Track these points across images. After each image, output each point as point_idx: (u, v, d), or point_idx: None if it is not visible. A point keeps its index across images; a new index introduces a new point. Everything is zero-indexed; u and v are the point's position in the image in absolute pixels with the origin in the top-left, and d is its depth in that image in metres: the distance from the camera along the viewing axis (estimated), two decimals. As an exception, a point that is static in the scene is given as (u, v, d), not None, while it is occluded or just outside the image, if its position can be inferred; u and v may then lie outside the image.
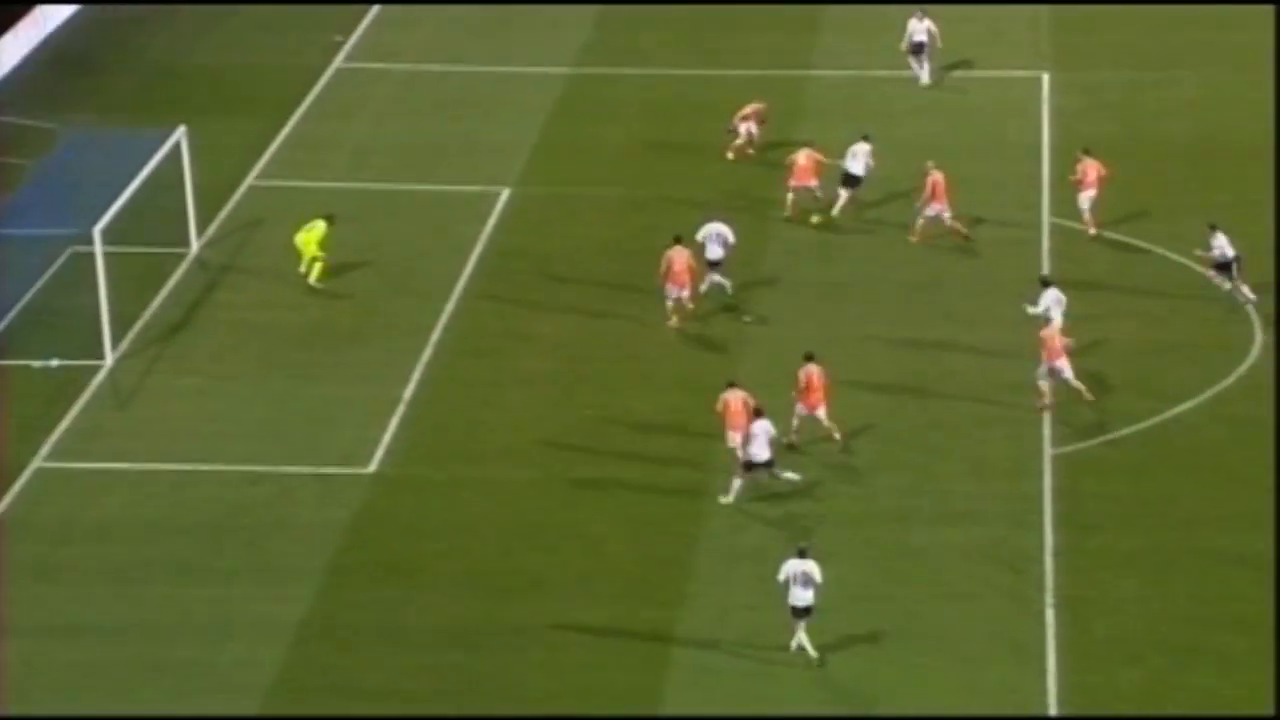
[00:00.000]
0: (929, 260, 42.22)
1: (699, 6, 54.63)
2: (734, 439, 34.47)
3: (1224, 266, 39.59)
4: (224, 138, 46.68)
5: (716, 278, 39.99)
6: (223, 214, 44.42)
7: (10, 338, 39.62)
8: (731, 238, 40.02)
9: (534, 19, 54.17)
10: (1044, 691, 30.32)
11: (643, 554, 33.37)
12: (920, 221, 42.21)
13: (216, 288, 41.80)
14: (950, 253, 42.33)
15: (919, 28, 49.07)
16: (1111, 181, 43.34)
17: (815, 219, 41.88)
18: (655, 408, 37.07)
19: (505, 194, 45.30)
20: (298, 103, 49.61)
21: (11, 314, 40.32)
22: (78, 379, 38.29)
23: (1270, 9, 52.19)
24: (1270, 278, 40.35)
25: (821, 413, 35.39)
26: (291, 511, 34.65)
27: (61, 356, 38.84)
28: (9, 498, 35.01)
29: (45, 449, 36.35)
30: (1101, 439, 36.18)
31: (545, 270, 42.02)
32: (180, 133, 42.56)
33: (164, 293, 41.37)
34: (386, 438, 36.53)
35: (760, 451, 33.93)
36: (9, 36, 51.87)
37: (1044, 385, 36.65)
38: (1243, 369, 38.10)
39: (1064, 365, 36.42)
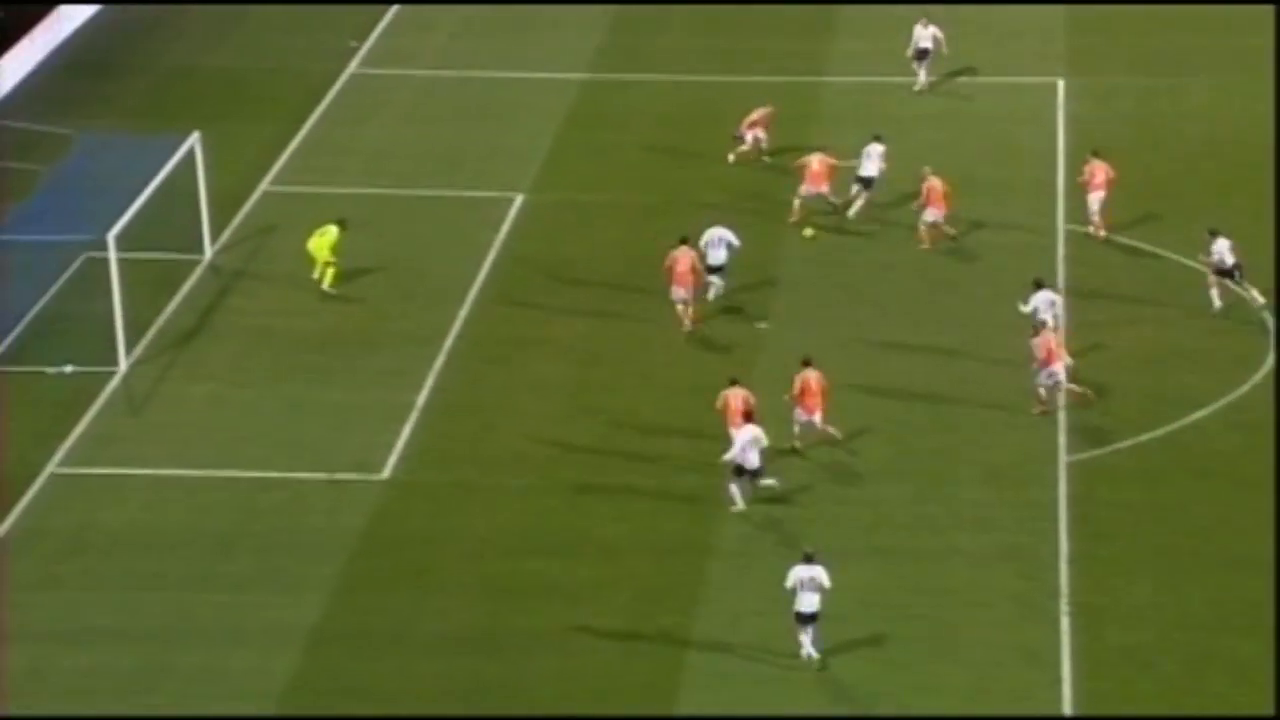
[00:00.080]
0: (941, 265, 42.16)
1: (713, 11, 54.64)
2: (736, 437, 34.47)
3: (1225, 273, 39.48)
4: (238, 143, 46.73)
5: (716, 281, 39.93)
6: (237, 220, 44.46)
7: (25, 344, 39.66)
8: (736, 241, 40.00)
9: (548, 24, 54.20)
10: (1058, 698, 30.24)
11: (655, 560, 33.33)
12: (923, 228, 42.19)
13: (230, 293, 41.83)
14: (963, 258, 42.26)
15: (924, 34, 49.10)
16: (1127, 187, 43.36)
17: (809, 232, 41.83)
18: (668, 412, 37.03)
19: (519, 200, 45.30)
20: (312, 108, 49.66)
21: (26, 320, 40.36)
22: (91, 385, 38.33)
23: (1270, 9, 52.05)
24: (1281, 283, 40.35)
25: (818, 418, 35.34)
26: (304, 518, 34.65)
27: (75, 362, 38.89)
28: (23, 504, 35.03)
29: (59, 455, 36.38)
30: (1115, 446, 36.09)
31: (559, 276, 42.01)
32: (195, 138, 42.60)
33: (178, 299, 41.41)
34: (400, 443, 36.52)
35: (750, 458, 33.86)
36: (25, 41, 52.00)
37: (1042, 391, 36.55)
38: (1258, 377, 37.98)
39: (1059, 369, 36.31)
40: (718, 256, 39.89)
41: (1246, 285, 39.58)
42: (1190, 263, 41.22)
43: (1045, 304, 37.91)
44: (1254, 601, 32.00)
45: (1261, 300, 39.56)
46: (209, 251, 42.99)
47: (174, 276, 41.95)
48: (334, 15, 54.79)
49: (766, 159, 45.93)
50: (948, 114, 49.03)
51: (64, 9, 53.75)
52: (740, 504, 34.24)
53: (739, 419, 34.50)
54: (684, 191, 44.93)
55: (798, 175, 43.70)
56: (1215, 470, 35.41)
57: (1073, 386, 36.56)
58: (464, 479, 35.62)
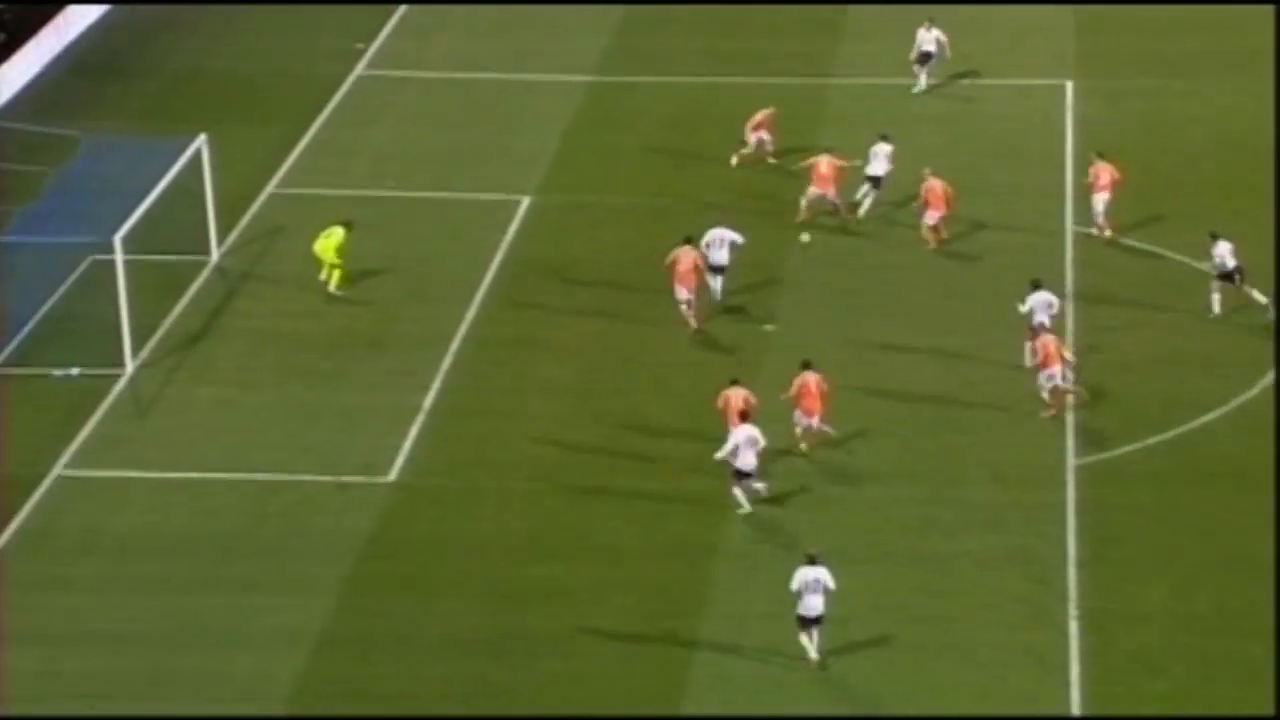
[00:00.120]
0: (949, 267, 42.08)
1: (720, 13, 54.57)
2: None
3: (1226, 276, 39.38)
4: (245, 145, 46.70)
5: (718, 281, 39.94)
6: (243, 222, 44.42)
7: (31, 346, 39.62)
8: (740, 239, 40.00)
9: (555, 26, 54.15)
10: (1066, 702, 30.16)
11: (661, 562, 33.27)
12: (925, 230, 42.15)
13: (236, 296, 41.79)
14: (970, 260, 42.17)
15: (927, 38, 49.09)
16: (1135, 189, 43.29)
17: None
18: (674, 415, 36.95)
19: (525, 202, 45.24)
20: (319, 110, 49.62)
21: (32, 322, 40.32)
22: (98, 388, 38.28)
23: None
24: (1294, 286, 40.25)
25: (815, 420, 35.28)
26: (311, 520, 34.60)
27: (82, 365, 38.84)
28: (29, 506, 34.99)
29: (65, 457, 36.34)
30: (1124, 449, 35.99)
31: (565, 278, 41.94)
32: (201, 140, 42.56)
33: (184, 301, 41.36)
34: (406, 446, 36.47)
35: (745, 459, 33.80)
36: (31, 44, 52.00)
37: (1045, 395, 36.47)
38: (1266, 380, 37.85)
39: (1056, 371, 36.22)
40: (719, 257, 39.90)
41: (1247, 288, 39.44)
42: (1199, 265, 41.10)
43: (1042, 305, 37.87)
44: (1264, 605, 31.88)
45: (1264, 300, 39.43)
46: (215, 254, 42.94)
47: (180, 279, 41.91)
48: (340, 18, 54.75)
49: (772, 160, 45.82)
50: (955, 116, 48.96)
51: (70, 11, 53.73)
52: (746, 506, 34.18)
53: (737, 419, 34.43)
54: (691, 193, 44.85)
55: (805, 176, 43.62)
56: (1224, 473, 35.30)
57: (1067, 386, 36.42)
58: (471, 481, 35.56)
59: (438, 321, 40.50)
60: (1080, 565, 32.99)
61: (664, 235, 41.17)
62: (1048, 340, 36.68)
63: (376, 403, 37.84)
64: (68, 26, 53.64)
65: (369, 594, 32.68)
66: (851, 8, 54.44)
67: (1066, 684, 30.43)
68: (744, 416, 34.30)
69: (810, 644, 30.61)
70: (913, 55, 49.30)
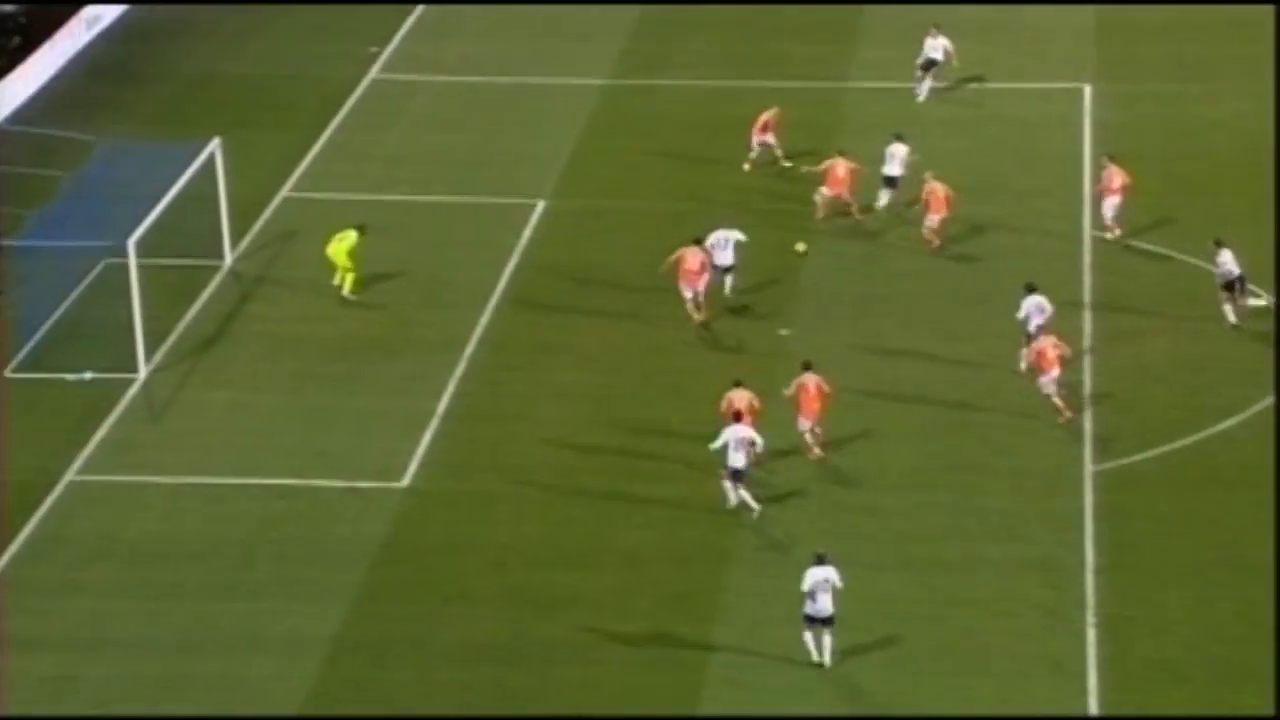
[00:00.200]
0: (965, 273, 41.91)
1: (736, 16, 54.44)
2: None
3: (1229, 286, 39.16)
4: (258, 149, 46.62)
5: (726, 282, 39.98)
6: (257, 226, 44.33)
7: (45, 350, 39.54)
8: (743, 237, 40.06)
9: (570, 29, 54.05)
10: (1085, 710, 29.98)
11: (676, 568, 33.14)
12: (927, 232, 42.19)
13: (250, 300, 41.70)
14: (988, 266, 41.98)
15: (934, 45, 49.04)
16: (1154, 194, 43.22)
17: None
18: (689, 420, 36.76)
19: (541, 205, 45.13)
20: (333, 114, 49.54)
21: (46, 326, 40.24)
22: (111, 392, 38.19)
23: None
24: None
25: (813, 422, 35.23)
26: (325, 526, 34.48)
27: (95, 369, 38.75)
28: (42, 511, 34.89)
29: (78, 462, 36.25)
30: (1143, 455, 35.79)
31: (580, 282, 41.82)
32: (215, 145, 42.48)
33: (198, 305, 41.28)
34: (420, 451, 36.34)
35: (735, 459, 33.67)
36: (46, 47, 51.99)
37: (1058, 402, 36.37)
38: (1285, 384, 37.70)
39: (1054, 375, 36.13)
40: (725, 257, 39.93)
41: (1244, 298, 39.16)
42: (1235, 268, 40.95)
43: (1035, 309, 37.71)
44: (1284, 612, 31.73)
45: (1263, 302, 39.16)
46: (229, 258, 42.85)
47: (194, 283, 41.83)
48: (355, 22, 54.67)
49: (787, 164, 45.66)
50: (973, 119, 48.82)
51: (85, 15, 53.71)
52: (756, 506, 34.00)
53: (747, 419, 34.44)
54: (707, 197, 44.71)
55: (820, 178, 43.49)
56: (1244, 480, 35.07)
57: (1055, 400, 36.25)
58: (485, 487, 35.44)
59: (452, 326, 40.38)
60: (1099, 572, 32.82)
61: (680, 239, 40.99)
62: (1044, 345, 36.45)
63: (390, 407, 37.72)
64: (82, 30, 53.62)
65: (383, 599, 32.56)
66: (867, 10, 54.26)
67: (1085, 691, 30.29)
68: (737, 416, 34.25)
69: (815, 645, 30.52)
70: (919, 61, 49.19)
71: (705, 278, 39.48)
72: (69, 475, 35.90)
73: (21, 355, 39.40)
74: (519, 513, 34.71)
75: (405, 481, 35.61)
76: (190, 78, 51.91)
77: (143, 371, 38.79)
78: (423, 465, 36.00)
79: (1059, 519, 34.17)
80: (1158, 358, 38.78)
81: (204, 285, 41.90)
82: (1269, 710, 29.71)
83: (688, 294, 39.36)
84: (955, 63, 49.20)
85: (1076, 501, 34.58)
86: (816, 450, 35.47)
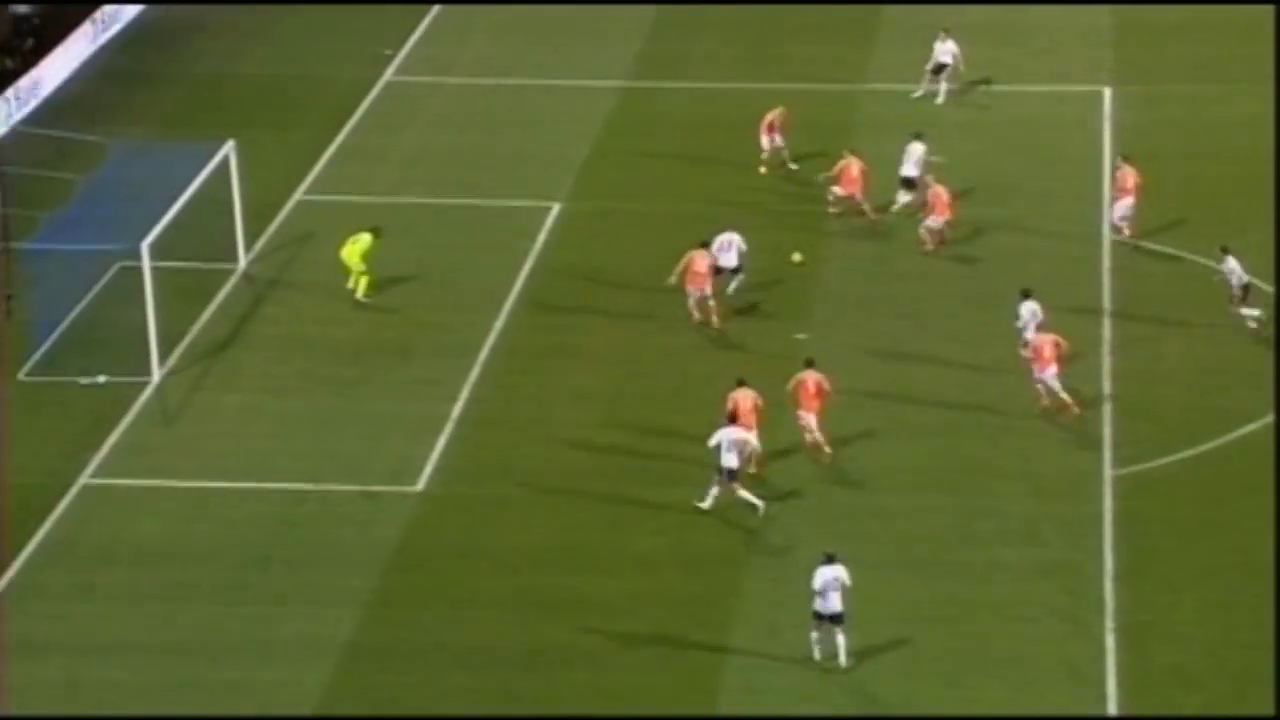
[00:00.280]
0: (983, 276, 41.72)
1: (752, 18, 54.30)
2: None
3: (1244, 290, 38.95)
4: (273, 151, 46.54)
5: (730, 284, 40.01)
6: (271, 229, 44.24)
7: (58, 353, 39.47)
8: (744, 245, 40.06)
9: (585, 31, 53.94)
10: (1103, 717, 29.76)
11: (690, 572, 33.00)
12: (925, 232, 42.15)
13: (264, 303, 41.59)
14: (1005, 269, 41.74)
15: (943, 49, 48.97)
16: (1175, 196, 43.17)
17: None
18: (703, 424, 36.45)
19: (556, 208, 44.99)
20: (347, 116, 49.46)
21: (59, 329, 40.17)
22: (124, 395, 38.10)
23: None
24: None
25: (813, 420, 35.15)
26: (338, 530, 34.36)
27: (108, 373, 38.66)
28: (55, 514, 34.80)
29: (91, 466, 36.15)
30: (1162, 460, 35.58)
31: (595, 286, 41.69)
32: (229, 147, 42.38)
33: (211, 308, 41.18)
34: (434, 455, 36.21)
35: (728, 459, 33.59)
36: (60, 49, 51.95)
37: (1065, 396, 36.27)
38: (1306, 389, 37.45)
39: (1049, 375, 36.01)
40: (729, 259, 39.99)
41: (1243, 308, 38.91)
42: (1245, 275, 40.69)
43: (1030, 314, 37.60)
44: (1304, 619, 31.50)
45: (1256, 314, 38.91)
46: (243, 260, 42.75)
47: (208, 286, 41.73)
48: (370, 23, 54.59)
49: (793, 166, 45.49)
50: (991, 122, 48.67)
51: (99, 16, 53.66)
52: (759, 504, 33.87)
53: (749, 419, 34.44)
54: (723, 200, 44.55)
55: (834, 178, 43.43)
56: (1264, 486, 34.81)
57: (1047, 399, 36.26)
58: (499, 491, 35.29)
59: (466, 329, 40.25)
60: (1117, 577, 32.62)
61: (694, 242, 40.80)
62: (1042, 342, 36.32)
63: (404, 411, 37.59)
64: (96, 32, 53.57)
65: (396, 604, 32.43)
66: (885, 10, 54.07)
67: (1103, 698, 30.12)
68: (732, 418, 34.09)
69: (821, 644, 30.44)
70: (929, 66, 49.06)
71: (711, 280, 39.47)
72: (82, 479, 35.81)
73: (35, 358, 39.33)
74: (532, 517, 34.56)
75: (419, 486, 35.48)
76: (204, 79, 51.85)
77: (156, 375, 38.69)
78: (436, 470, 35.86)
79: (1077, 524, 33.97)
80: (1176, 362, 38.58)
81: (218, 288, 41.81)
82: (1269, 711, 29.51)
83: (694, 295, 39.37)
84: (962, 67, 49.03)
85: (1095, 506, 34.38)
86: (825, 448, 35.26)
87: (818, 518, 34.09)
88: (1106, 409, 36.87)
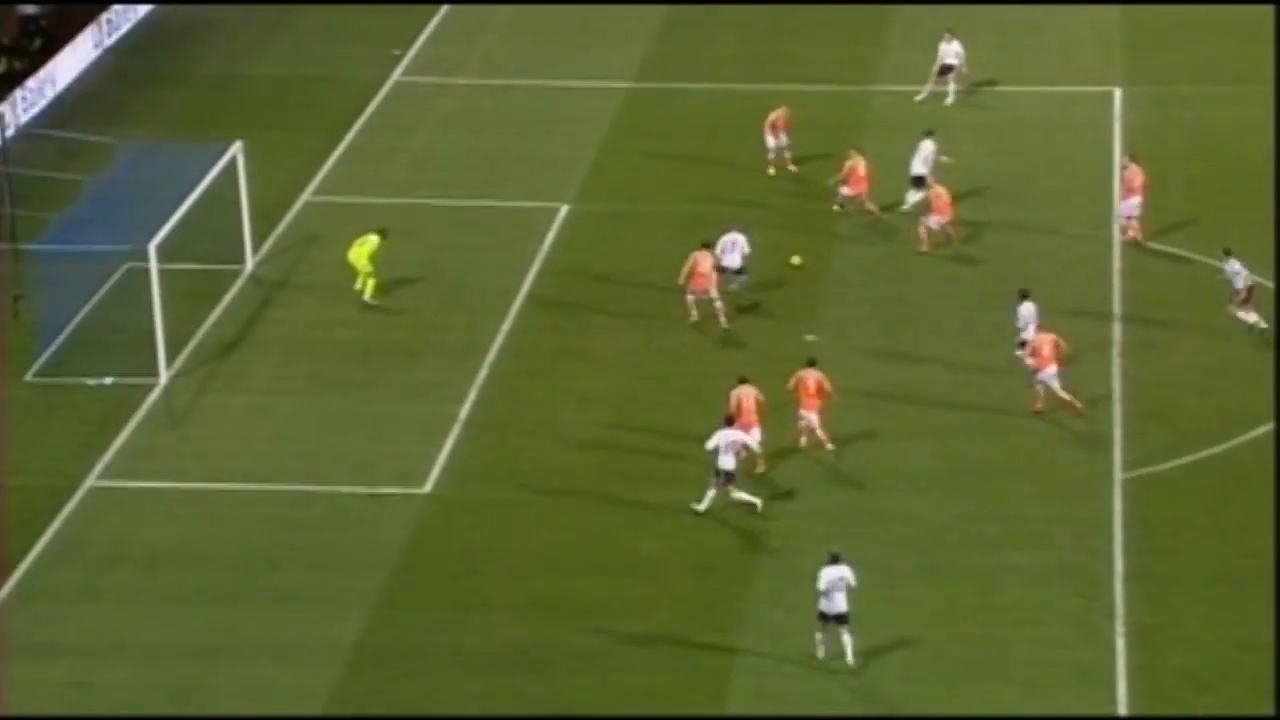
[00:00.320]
0: (994, 278, 41.57)
1: (761, 19, 54.20)
2: (753, 436, 34.34)
3: (1249, 293, 38.80)
4: (281, 152, 46.46)
5: (738, 283, 40.06)
6: (279, 230, 44.17)
7: (65, 354, 39.40)
8: (748, 248, 40.01)
9: (594, 32, 53.84)
10: (1113, 717, 29.65)
11: (698, 576, 32.90)
12: (924, 231, 42.03)
13: (271, 305, 41.50)
14: (1015, 271, 41.57)
15: (948, 50, 48.90)
16: (1186, 197, 43.03)
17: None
18: (711, 426, 36.32)
19: (564, 210, 44.88)
20: (356, 117, 49.39)
21: (67, 330, 40.09)
22: (132, 397, 38.03)
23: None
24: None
25: (814, 419, 35.09)
26: (346, 532, 34.28)
27: (115, 374, 38.59)
28: (63, 516, 34.72)
29: (99, 468, 36.08)
30: (1173, 462, 35.44)
31: (603, 287, 41.60)
32: (237, 148, 42.30)
33: (219, 310, 41.10)
34: (442, 457, 36.11)
35: (725, 461, 33.54)
36: (68, 50, 51.90)
37: (1066, 395, 36.17)
38: (1319, 392, 37.29)
39: (1052, 371, 35.92)
40: (732, 260, 40.00)
41: (1238, 310, 38.75)
42: (1268, 282, 40.52)
43: (1028, 315, 37.60)
44: (1316, 622, 31.35)
45: (1253, 319, 38.76)
46: (250, 262, 42.67)
47: (215, 287, 41.66)
48: (378, 23, 54.51)
49: (793, 168, 45.40)
50: (1001, 123, 48.55)
51: (107, 16, 53.63)
52: (757, 502, 33.83)
53: (754, 417, 34.24)
54: (731, 201, 44.43)
55: (844, 179, 43.39)
56: (1275, 488, 34.63)
57: (1043, 398, 36.25)
58: (506, 493, 35.20)
59: (474, 331, 40.16)
60: (1128, 580, 32.49)
61: (697, 244, 40.69)
62: (1041, 341, 36.23)
63: (412, 413, 37.50)
64: (103, 33, 53.53)
65: (404, 606, 32.35)
66: (895, 11, 53.93)
67: (1114, 701, 30.00)
68: (729, 420, 34.01)
69: (826, 644, 30.37)
70: (935, 68, 48.94)
71: (715, 279, 39.44)
72: (89, 481, 35.73)
73: (42, 359, 39.26)
74: (540, 520, 34.46)
75: (427, 488, 35.38)
76: (212, 80, 51.79)
77: (163, 376, 38.61)
78: (444, 472, 35.76)
79: (1087, 526, 33.85)
80: (1186, 364, 38.44)
81: (225, 289, 41.73)
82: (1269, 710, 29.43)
83: (695, 295, 39.34)
84: (966, 69, 48.91)
85: (1105, 509, 34.25)
86: (828, 444, 35.16)
87: (827, 520, 33.96)
88: (1116, 411, 36.73)
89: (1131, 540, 33.46)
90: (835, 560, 30.62)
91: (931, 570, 32.87)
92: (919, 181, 43.36)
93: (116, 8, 54.10)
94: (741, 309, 40.13)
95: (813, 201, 44.46)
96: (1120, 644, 31.08)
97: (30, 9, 53.81)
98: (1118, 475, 35.17)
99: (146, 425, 37.38)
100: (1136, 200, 42.25)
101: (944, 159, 43.80)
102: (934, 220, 42.07)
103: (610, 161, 47.09)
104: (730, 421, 34.14)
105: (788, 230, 42.82)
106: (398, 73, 52.00)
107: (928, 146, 43.41)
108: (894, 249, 42.83)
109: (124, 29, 54.37)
